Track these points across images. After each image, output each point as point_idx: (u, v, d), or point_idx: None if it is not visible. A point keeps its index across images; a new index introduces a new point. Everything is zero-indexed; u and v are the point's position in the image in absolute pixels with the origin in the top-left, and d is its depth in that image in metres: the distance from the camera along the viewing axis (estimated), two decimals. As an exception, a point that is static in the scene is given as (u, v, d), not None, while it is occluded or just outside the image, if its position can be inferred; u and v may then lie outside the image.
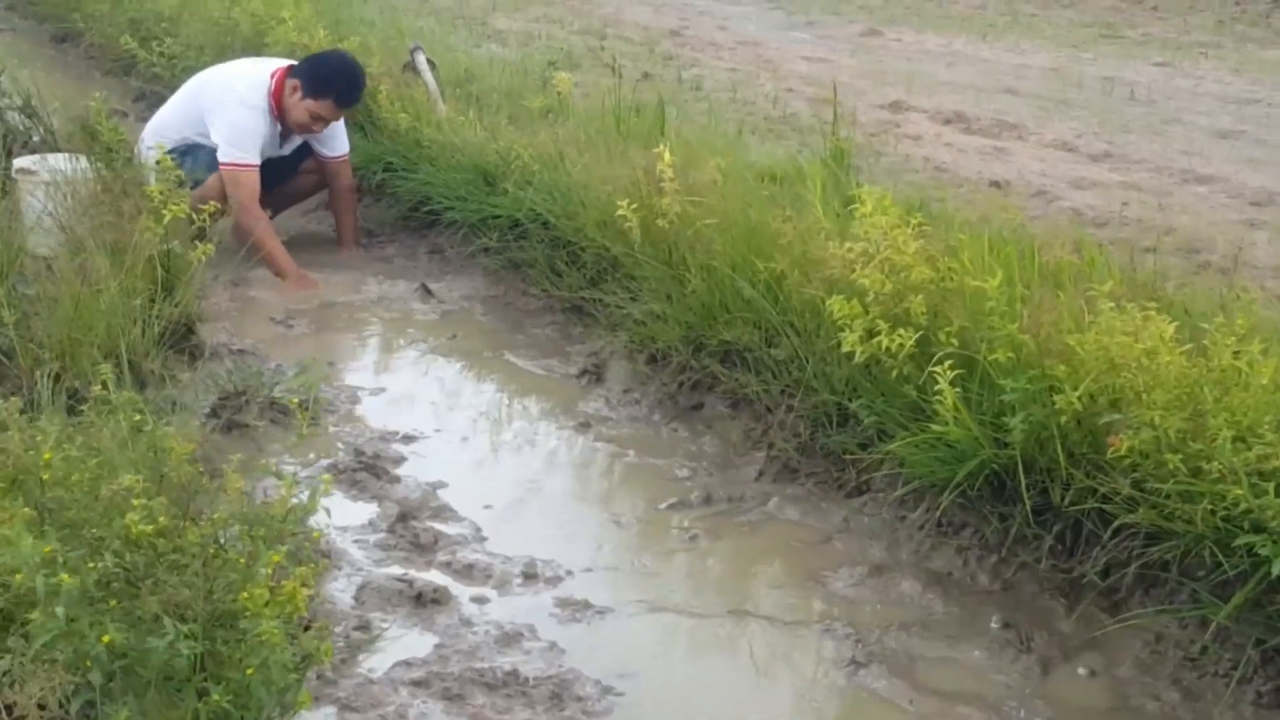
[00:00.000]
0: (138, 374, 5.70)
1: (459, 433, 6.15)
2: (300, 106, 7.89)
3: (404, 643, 4.54)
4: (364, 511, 5.37)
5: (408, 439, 6.03)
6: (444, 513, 5.40)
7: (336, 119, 8.11)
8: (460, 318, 7.49)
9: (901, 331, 5.02)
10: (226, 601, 3.44)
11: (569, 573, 5.02)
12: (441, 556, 5.11)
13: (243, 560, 3.51)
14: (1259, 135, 10.33)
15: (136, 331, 5.74)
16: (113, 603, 3.35)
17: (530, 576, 4.98)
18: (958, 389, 4.73)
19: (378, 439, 6.00)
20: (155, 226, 6.07)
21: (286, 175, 8.30)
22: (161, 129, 7.88)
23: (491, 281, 7.80)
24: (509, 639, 4.58)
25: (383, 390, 6.53)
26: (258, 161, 7.89)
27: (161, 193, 6.19)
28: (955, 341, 4.96)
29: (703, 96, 10.98)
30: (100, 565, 3.37)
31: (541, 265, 7.39)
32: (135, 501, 3.54)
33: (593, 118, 8.54)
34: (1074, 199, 8.69)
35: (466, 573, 5.01)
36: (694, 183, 6.51)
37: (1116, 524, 4.46)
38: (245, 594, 3.37)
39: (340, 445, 5.94)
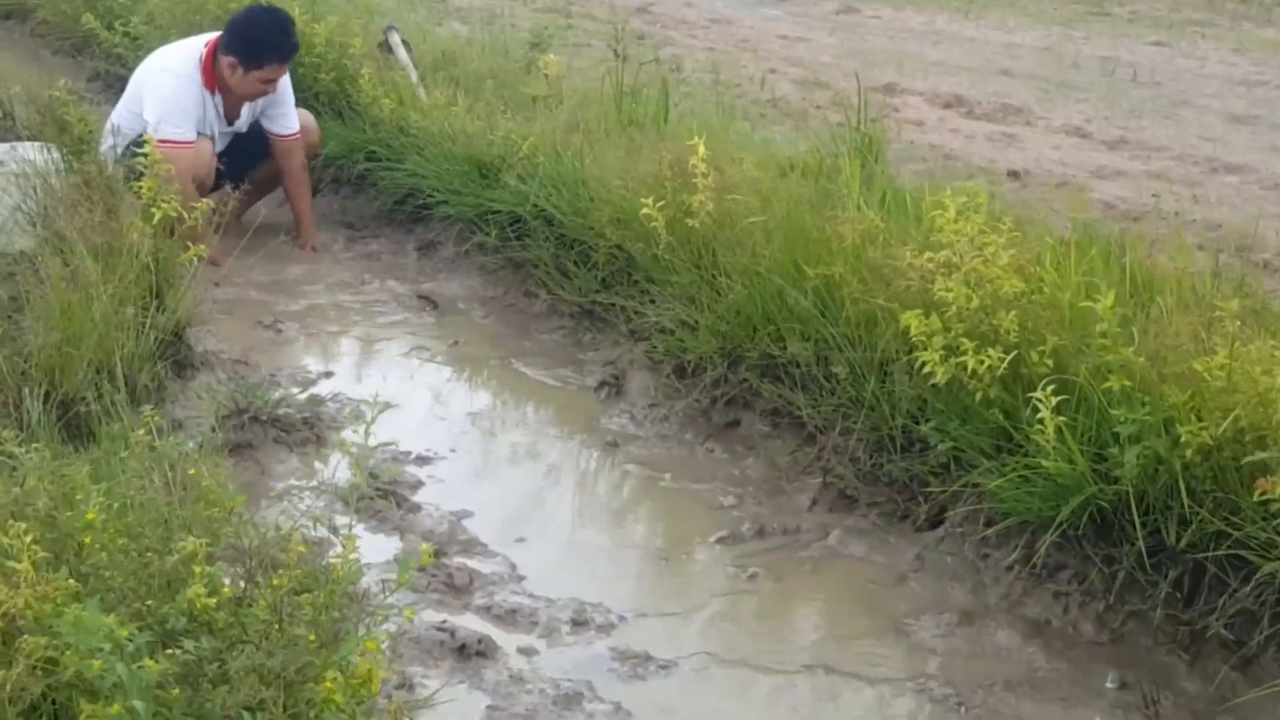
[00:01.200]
0: (131, 388, 5.13)
1: (476, 453, 5.65)
2: (247, 81, 7.41)
3: (454, 706, 4.00)
4: (388, 546, 4.86)
5: (422, 460, 5.51)
6: (474, 547, 4.90)
7: (284, 73, 7.57)
8: (460, 321, 6.97)
9: (990, 351, 4.51)
10: (298, 685, 2.91)
11: (621, 618, 4.52)
12: (479, 599, 4.60)
13: (313, 638, 2.98)
14: (1275, 120, 9.91)
15: (130, 342, 5.16)
16: (175, 692, 2.82)
17: (579, 623, 4.49)
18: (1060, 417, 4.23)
19: (391, 460, 5.49)
20: (144, 226, 5.48)
21: (257, 155, 7.69)
22: (118, 124, 7.28)
23: (490, 281, 7.28)
24: (568, 700, 4.09)
25: (388, 404, 5.93)
26: (192, 137, 7.37)
27: (150, 189, 5.59)
28: (1050, 363, 4.47)
29: (684, 79, 10.43)
30: (175, 652, 2.83)
31: (547, 265, 6.85)
32: (196, 569, 3.01)
33: (588, 102, 8.00)
34: (1101, 190, 8.25)
35: (510, 619, 4.50)
36: (729, 179, 5.96)
37: (1254, 571, 3.96)
38: (327, 683, 2.84)
39: (351, 468, 5.38)
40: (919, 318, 4.70)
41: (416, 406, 6.05)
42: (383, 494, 5.19)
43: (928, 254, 4.80)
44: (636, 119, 7.81)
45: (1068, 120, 10.20)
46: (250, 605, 3.08)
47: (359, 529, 4.77)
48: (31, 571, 2.89)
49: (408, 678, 4.16)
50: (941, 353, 4.65)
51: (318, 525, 3.70)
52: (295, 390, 6.01)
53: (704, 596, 4.69)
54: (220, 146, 7.57)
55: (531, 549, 4.95)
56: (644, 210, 6.05)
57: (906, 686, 4.25)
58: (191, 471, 3.58)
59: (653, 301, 6.22)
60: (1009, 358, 4.53)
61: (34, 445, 3.55)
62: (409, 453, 5.56)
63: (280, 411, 5.55)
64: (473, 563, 4.80)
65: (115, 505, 3.35)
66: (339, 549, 3.56)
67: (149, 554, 3.12)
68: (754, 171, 6.05)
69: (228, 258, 7.12)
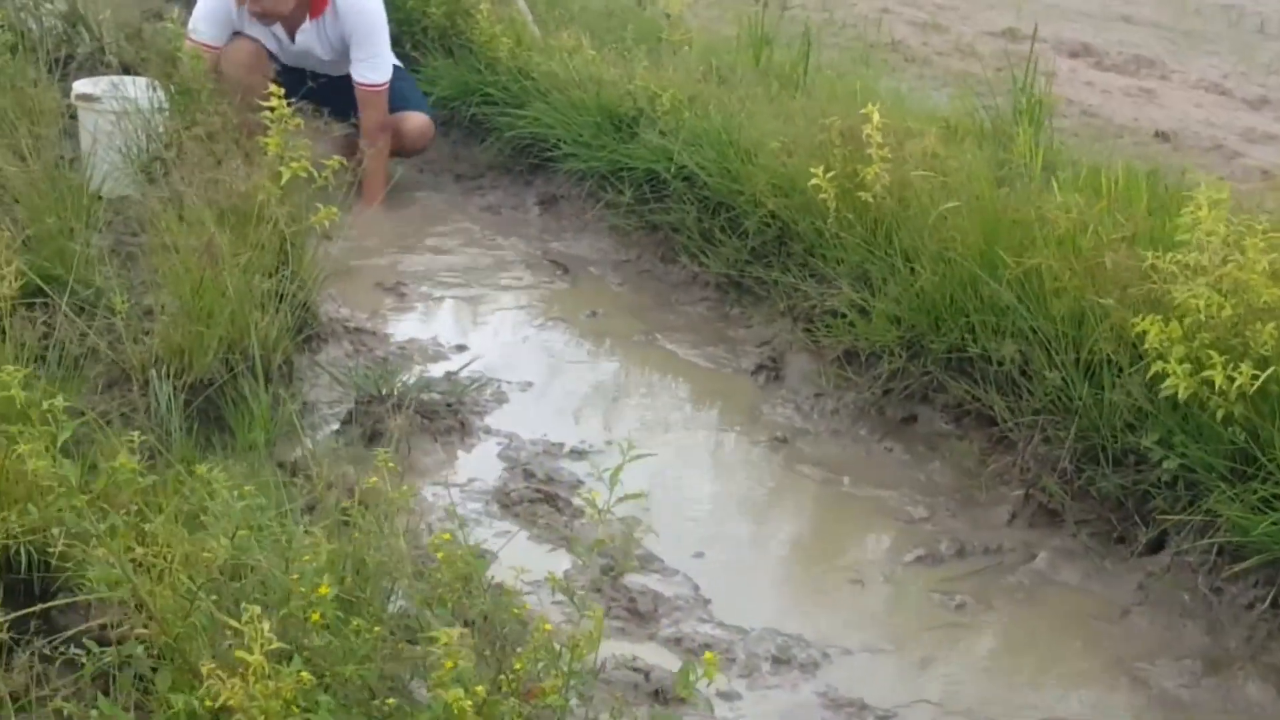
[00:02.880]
0: (265, 368, 4.66)
1: (635, 443, 5.10)
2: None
3: (660, 767, 3.53)
4: (557, 560, 4.36)
5: (577, 454, 5.04)
6: (652, 563, 4.43)
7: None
8: (594, 288, 6.47)
9: (1243, 367, 4.01)
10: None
11: (825, 655, 4.05)
12: (666, 629, 4.14)
13: None
14: None
15: (264, 318, 4.67)
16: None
17: (781, 661, 4.02)
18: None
19: (543, 454, 5.00)
20: (273, 188, 4.98)
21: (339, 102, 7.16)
22: None
23: (622, 243, 6.78)
24: (783, 759, 3.59)
25: (529, 384, 5.51)
26: (213, 43, 6.97)
27: (279, 146, 5.09)
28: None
29: (792, 17, 9.82)
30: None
31: (690, 230, 6.32)
32: (449, 664, 2.54)
33: (715, 49, 7.46)
34: (1256, 155, 7.74)
35: (703, 655, 3.97)
36: (907, 150, 5.44)
37: None
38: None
39: (502, 463, 4.94)
40: (1158, 325, 4.17)
41: (561, 389, 5.58)
42: (542, 496, 4.70)
43: (1171, 255, 4.25)
44: (774, 69, 7.26)
45: (1203, 75, 9.64)
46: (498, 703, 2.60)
47: (521, 538, 4.32)
48: (264, 665, 2.41)
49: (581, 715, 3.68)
50: (1185, 365, 4.12)
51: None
52: (430, 367, 5.53)
53: (912, 630, 4.21)
54: (299, 65, 7.18)
55: (712, 566, 4.48)
56: (813, 181, 5.51)
57: (1163, 752, 3.75)
58: (445, 537, 3.06)
59: (813, 277, 5.70)
60: (1265, 375, 3.99)
61: (244, 489, 3.05)
62: (561, 445, 5.09)
63: (424, 397, 5.03)
64: (653, 583, 4.34)
65: (341, 572, 2.86)
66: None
67: (393, 641, 2.64)
68: (936, 144, 5.48)
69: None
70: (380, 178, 7.03)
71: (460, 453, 4.99)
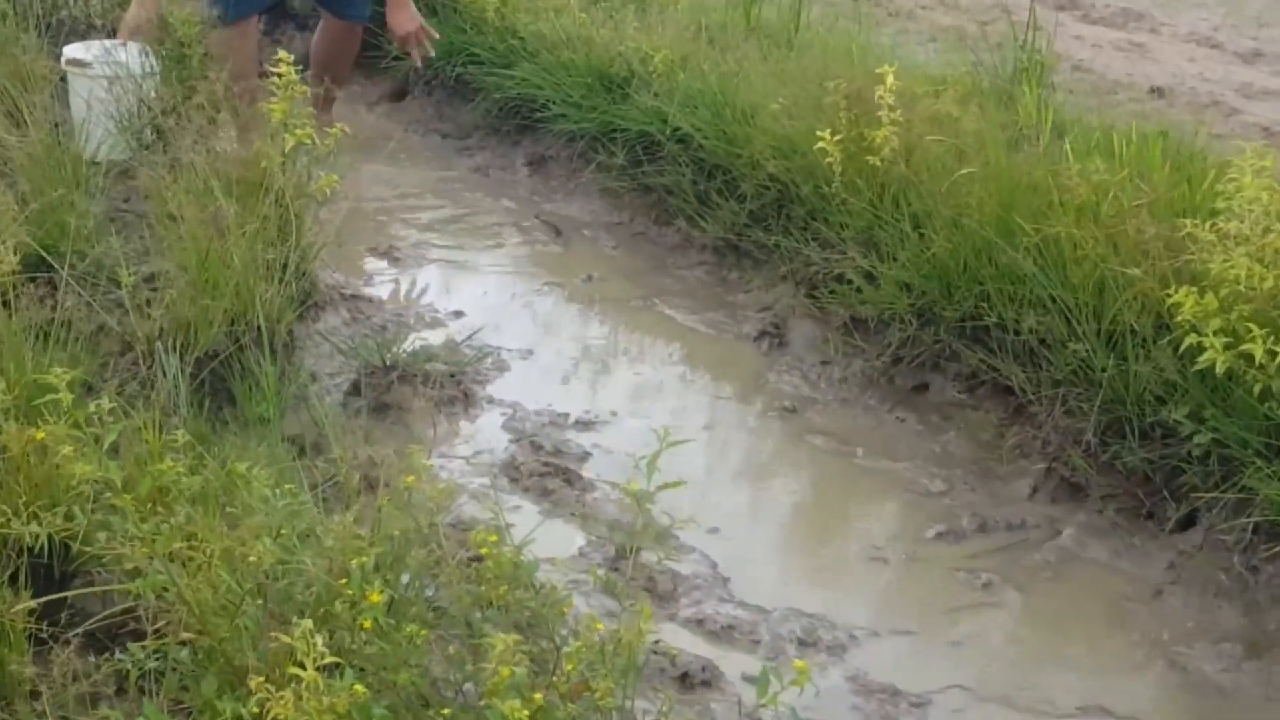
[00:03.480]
0: (270, 340, 4.52)
1: (639, 416, 5.03)
2: None
3: (692, 755, 3.42)
4: (570, 537, 4.26)
5: (583, 425, 4.92)
6: (666, 539, 4.26)
7: None
8: (589, 252, 6.32)
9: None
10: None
11: (851, 638, 3.95)
12: (687, 609, 4.04)
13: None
14: None
15: (269, 291, 4.53)
16: None
17: (807, 644, 3.93)
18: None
19: (549, 425, 4.89)
20: (276, 155, 4.83)
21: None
22: None
23: (614, 205, 6.63)
24: (818, 748, 3.48)
25: (530, 353, 5.39)
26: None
27: (282, 113, 4.93)
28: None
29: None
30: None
31: (686, 193, 6.18)
32: (504, 671, 2.41)
33: (706, 7, 7.30)
34: (1254, 111, 7.59)
35: (727, 637, 3.93)
36: (919, 112, 5.32)
37: None
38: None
39: (507, 435, 4.82)
40: (1193, 296, 4.07)
41: (562, 357, 5.46)
42: (551, 469, 4.58)
43: (1209, 223, 4.15)
44: (764, 27, 7.12)
45: (1194, 28, 9.48)
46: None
47: (532, 512, 4.21)
48: (318, 680, 2.28)
49: (630, 714, 3.55)
50: (1222, 339, 4.02)
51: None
52: (428, 334, 5.40)
53: (939, 610, 4.11)
54: None
55: (728, 542, 4.36)
56: (819, 144, 5.38)
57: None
58: (491, 537, 2.92)
59: (815, 242, 5.57)
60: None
61: (285, 486, 2.92)
62: (566, 415, 4.99)
63: (428, 367, 4.90)
64: (671, 561, 4.19)
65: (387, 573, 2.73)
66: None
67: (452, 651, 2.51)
68: (950, 106, 5.36)
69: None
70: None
71: (465, 424, 4.87)
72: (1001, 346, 4.88)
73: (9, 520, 2.95)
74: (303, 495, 2.94)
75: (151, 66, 5.80)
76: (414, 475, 3.04)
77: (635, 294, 5.94)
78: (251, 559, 2.63)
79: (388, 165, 6.88)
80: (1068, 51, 8.58)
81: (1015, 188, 4.97)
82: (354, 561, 2.66)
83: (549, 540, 4.15)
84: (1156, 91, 8.05)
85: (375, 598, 2.59)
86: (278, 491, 2.87)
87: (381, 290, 5.76)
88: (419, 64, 7.15)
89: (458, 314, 5.66)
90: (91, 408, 2.84)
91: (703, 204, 6.15)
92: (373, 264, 6.01)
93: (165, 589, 2.61)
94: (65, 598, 3.11)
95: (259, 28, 6.98)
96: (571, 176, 6.90)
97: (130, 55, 5.80)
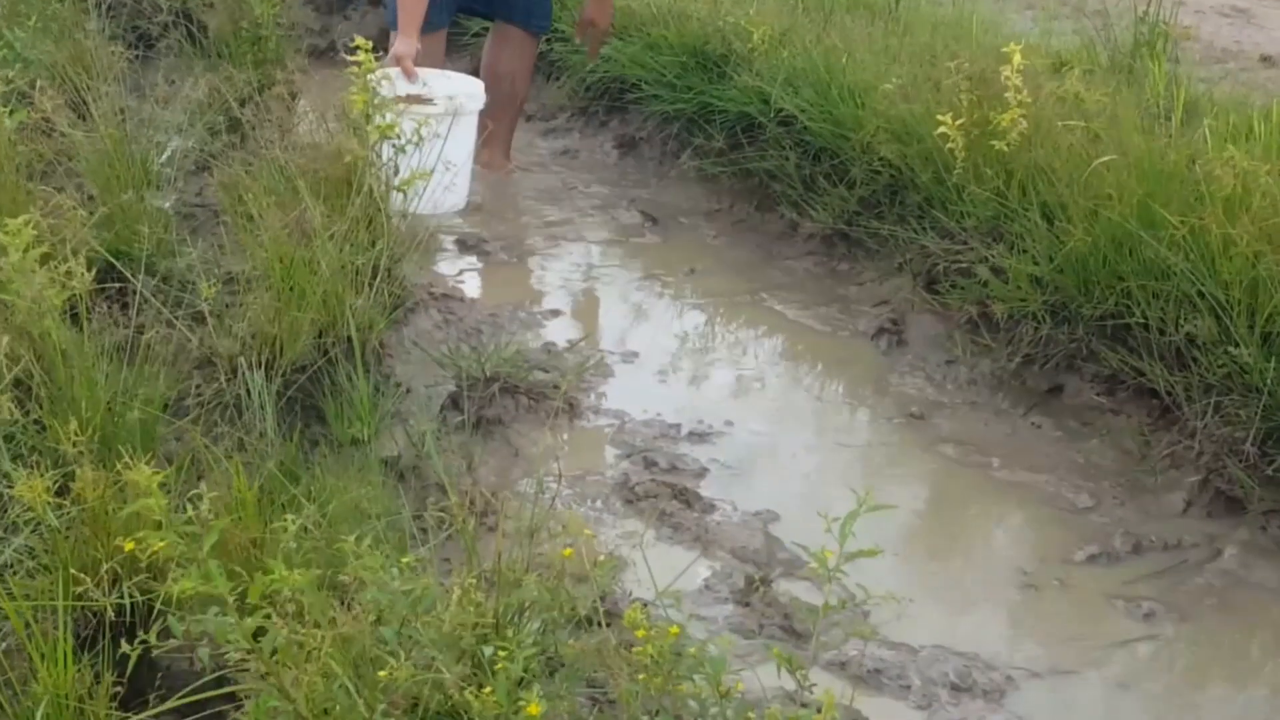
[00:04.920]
0: (361, 351, 4.20)
1: (759, 426, 4.71)
2: None
3: (847, 825, 3.09)
4: (692, 566, 3.90)
5: (697, 437, 4.58)
6: (798, 568, 3.95)
7: None
8: (689, 241, 5.99)
9: None
10: None
11: (1008, 679, 3.60)
12: (829, 649, 3.64)
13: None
14: None
15: (359, 298, 4.20)
16: None
17: (961, 689, 3.58)
18: None
19: (661, 437, 4.55)
20: (362, 150, 4.50)
21: None
22: None
23: (712, 192, 6.30)
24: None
25: (635, 355, 5.06)
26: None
27: (365, 104, 4.59)
28: None
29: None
30: None
31: (791, 178, 5.83)
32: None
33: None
34: (1374, 81, 7.14)
35: (874, 682, 3.58)
36: (1046, 93, 4.96)
37: None
38: None
39: (616, 449, 4.50)
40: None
41: (668, 360, 5.14)
42: (669, 490, 4.24)
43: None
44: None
45: (1290, -7, 9.05)
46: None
47: (649, 537, 3.86)
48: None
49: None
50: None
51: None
52: (525, 336, 5.07)
53: (1101, 645, 3.77)
54: None
55: (867, 571, 3.97)
56: (941, 129, 5.03)
57: None
58: (674, 631, 2.59)
59: (930, 230, 5.22)
60: None
61: (404, 562, 2.58)
62: (678, 426, 4.64)
63: (531, 378, 4.57)
64: (804, 592, 3.88)
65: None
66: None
67: None
68: (1078, 86, 4.98)
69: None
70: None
71: (570, 437, 4.55)
72: (1145, 347, 4.50)
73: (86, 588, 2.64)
74: (425, 578, 2.58)
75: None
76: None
77: (741, 288, 5.60)
78: (381, 673, 2.30)
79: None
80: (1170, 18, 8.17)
81: (1157, 175, 4.58)
82: (499, 669, 2.32)
83: (670, 569, 3.81)
84: (1267, 60, 7.67)
85: (534, 710, 2.25)
86: (394, 570, 2.53)
87: (472, 288, 5.44)
88: (593, 57, 6.76)
89: (554, 313, 5.35)
90: (189, 512, 2.49)
91: (809, 190, 5.81)
92: (462, 260, 5.68)
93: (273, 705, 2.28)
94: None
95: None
96: (665, 160, 6.57)
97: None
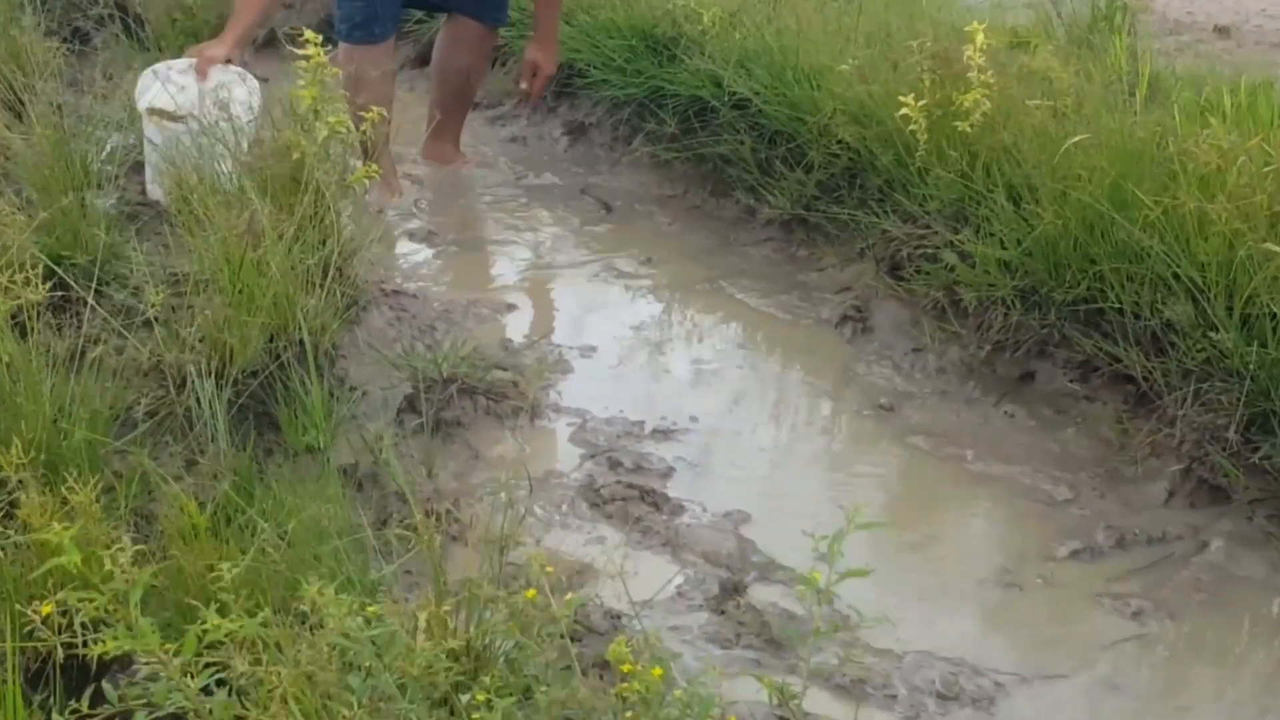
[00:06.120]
0: (314, 353, 4.04)
1: (724, 421, 4.56)
2: None
3: None
4: (662, 571, 3.78)
5: (661, 435, 4.44)
6: (774, 572, 3.82)
7: None
8: (644, 229, 5.84)
9: None
10: None
11: (998, 685, 3.48)
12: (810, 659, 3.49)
13: None
14: None
15: (311, 300, 4.04)
16: None
17: (948, 698, 3.44)
18: None
19: (624, 436, 4.41)
20: (308, 146, 4.33)
21: None
22: None
23: (664, 177, 6.16)
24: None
25: (593, 350, 4.91)
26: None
27: (312, 98, 4.41)
28: None
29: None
30: None
31: (746, 162, 5.68)
32: None
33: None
34: (1328, 49, 7.07)
35: (858, 691, 3.43)
36: (1012, 72, 4.85)
37: None
38: None
39: (579, 449, 4.34)
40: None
41: (628, 353, 4.99)
42: (636, 492, 4.10)
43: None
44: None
45: (1251, -40, 8.96)
46: None
47: (616, 539, 3.74)
48: None
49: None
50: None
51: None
52: (479, 331, 4.92)
53: (1090, 647, 3.64)
54: None
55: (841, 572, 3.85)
56: (903, 111, 4.89)
57: None
58: (658, 670, 2.44)
59: (892, 214, 5.08)
60: None
61: (370, 611, 2.43)
62: (641, 424, 4.49)
63: (490, 378, 4.41)
64: (780, 597, 3.74)
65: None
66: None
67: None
68: (1049, 61, 4.86)
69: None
70: (555, 27, 6.32)
71: (530, 437, 4.41)
72: (1120, 331, 4.38)
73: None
74: (392, 624, 2.43)
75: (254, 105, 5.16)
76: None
77: (700, 276, 5.46)
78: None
79: (417, 136, 6.36)
80: (1128, -9, 8.07)
81: (1128, 154, 4.45)
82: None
83: (641, 576, 3.69)
84: (1221, 30, 7.60)
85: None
86: (359, 619, 2.38)
87: (424, 282, 5.26)
88: (529, 100, 6.62)
89: (509, 306, 5.19)
90: (107, 561, 2.33)
91: (765, 174, 5.66)
92: (412, 251, 5.51)
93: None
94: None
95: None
96: (615, 146, 6.42)
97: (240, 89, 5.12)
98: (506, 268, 5.58)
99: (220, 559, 2.76)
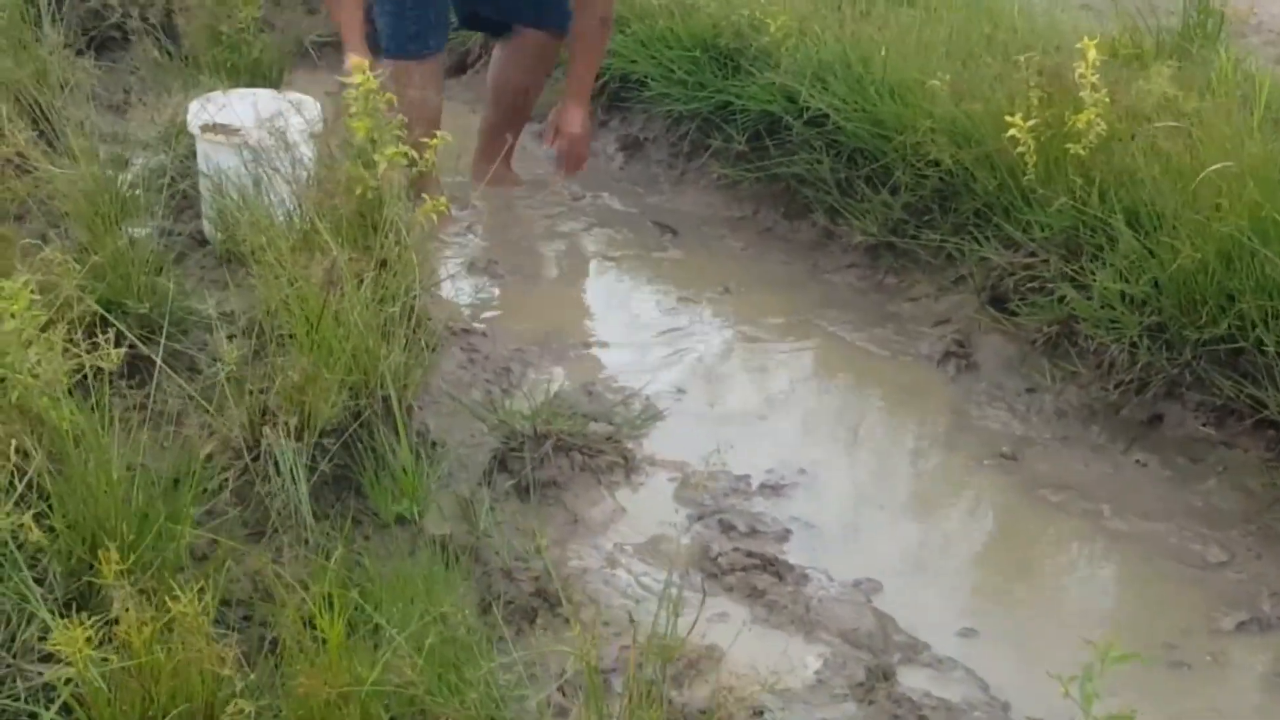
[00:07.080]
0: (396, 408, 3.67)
1: (832, 473, 4.21)
2: None
3: None
4: (796, 652, 3.40)
5: (771, 490, 4.08)
6: (919, 653, 3.47)
7: None
8: (716, 255, 5.48)
9: None
10: None
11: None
12: (972, 758, 3.15)
13: None
14: None
15: (390, 350, 3.66)
16: None
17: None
18: None
19: (731, 493, 4.05)
20: (367, 178, 3.95)
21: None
22: None
23: (732, 198, 5.79)
24: None
25: (681, 392, 4.55)
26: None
27: (369, 130, 4.03)
28: None
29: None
30: None
31: (825, 182, 5.32)
32: None
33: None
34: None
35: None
36: (1133, 91, 4.49)
37: None
38: None
39: (685, 509, 3.99)
40: None
41: (720, 397, 4.63)
42: (756, 561, 3.73)
43: None
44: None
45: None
46: None
47: (743, 619, 3.38)
48: None
49: None
50: None
51: None
52: (558, 374, 4.54)
53: (1279, 738, 3.24)
54: None
55: (991, 649, 3.55)
56: (1011, 132, 4.54)
57: None
58: None
59: (991, 240, 4.73)
60: None
61: None
62: (747, 478, 4.13)
63: (588, 430, 4.05)
64: (929, 682, 3.38)
65: None
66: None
67: None
68: (1164, 79, 4.50)
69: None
70: (588, 84, 5.80)
71: (630, 496, 4.04)
72: (1263, 372, 4.02)
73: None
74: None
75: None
76: None
77: (784, 307, 5.09)
78: None
79: (466, 155, 5.98)
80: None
81: (1273, 183, 4.10)
82: None
83: (775, 659, 3.32)
84: (1290, 31, 7.22)
85: None
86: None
87: (494, 320, 4.88)
88: (558, 183, 5.98)
89: (585, 345, 4.84)
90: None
91: (845, 195, 5.29)
92: (478, 286, 5.13)
93: None
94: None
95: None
96: (675, 164, 6.04)
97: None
98: (573, 299, 5.22)
99: (351, 682, 2.39)
